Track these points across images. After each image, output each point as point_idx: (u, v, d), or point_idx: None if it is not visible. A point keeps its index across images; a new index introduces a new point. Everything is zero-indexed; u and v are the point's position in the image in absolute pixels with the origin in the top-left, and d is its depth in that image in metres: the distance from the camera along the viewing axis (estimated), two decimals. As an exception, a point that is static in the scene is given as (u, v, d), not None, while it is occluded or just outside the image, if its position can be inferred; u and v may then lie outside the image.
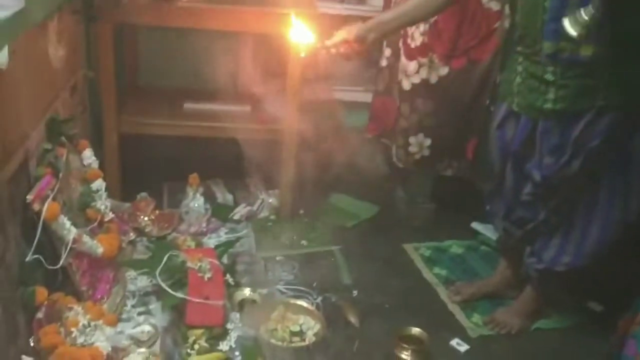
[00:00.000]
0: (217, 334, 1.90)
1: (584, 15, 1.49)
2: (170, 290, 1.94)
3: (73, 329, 1.61)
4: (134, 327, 1.87)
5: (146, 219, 2.43)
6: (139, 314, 1.96)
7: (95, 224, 1.99)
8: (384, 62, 2.68)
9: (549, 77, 1.76)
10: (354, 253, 2.49)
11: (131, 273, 2.14)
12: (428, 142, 2.58)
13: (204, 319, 1.90)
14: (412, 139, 2.59)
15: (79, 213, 1.95)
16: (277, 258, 2.42)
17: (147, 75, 2.91)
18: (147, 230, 2.39)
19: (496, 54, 2.35)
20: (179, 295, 1.93)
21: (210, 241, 2.42)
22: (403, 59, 2.52)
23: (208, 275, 2.01)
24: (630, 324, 1.69)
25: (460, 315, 2.21)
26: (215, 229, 2.51)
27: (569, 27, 1.51)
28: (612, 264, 2.00)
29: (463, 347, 2.05)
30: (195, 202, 2.48)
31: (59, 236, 1.71)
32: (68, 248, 1.72)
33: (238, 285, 2.14)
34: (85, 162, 2.09)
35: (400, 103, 2.57)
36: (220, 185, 2.78)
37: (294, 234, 2.59)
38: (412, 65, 2.47)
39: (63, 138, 1.94)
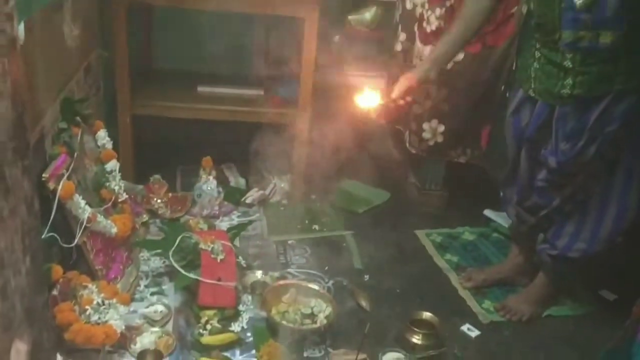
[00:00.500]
0: (229, 315, 1.91)
1: None
2: (183, 271, 1.95)
3: (87, 307, 1.63)
4: (147, 307, 1.88)
5: (159, 201, 2.44)
6: (152, 294, 1.97)
7: (109, 204, 1.99)
8: (398, 47, 2.65)
9: (568, 64, 1.75)
10: (365, 238, 2.49)
11: (144, 254, 2.16)
12: (442, 128, 2.56)
13: (216, 300, 1.91)
14: (425, 125, 2.57)
15: (93, 193, 1.96)
16: (289, 242, 2.43)
17: (162, 57, 2.91)
18: (160, 212, 2.40)
19: (512, 39, 2.31)
20: (192, 276, 1.93)
21: (223, 224, 2.43)
22: (418, 43, 2.50)
23: (221, 257, 2.01)
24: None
25: (471, 301, 2.20)
26: (228, 212, 2.52)
27: None
28: (625, 251, 1.99)
29: (474, 333, 2.05)
30: (208, 185, 2.48)
31: (74, 215, 1.72)
32: (82, 227, 1.73)
33: (250, 268, 2.15)
34: (99, 143, 2.10)
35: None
36: (233, 169, 2.79)
37: (305, 218, 2.59)
38: (427, 50, 2.44)
39: (78, 118, 1.94)
